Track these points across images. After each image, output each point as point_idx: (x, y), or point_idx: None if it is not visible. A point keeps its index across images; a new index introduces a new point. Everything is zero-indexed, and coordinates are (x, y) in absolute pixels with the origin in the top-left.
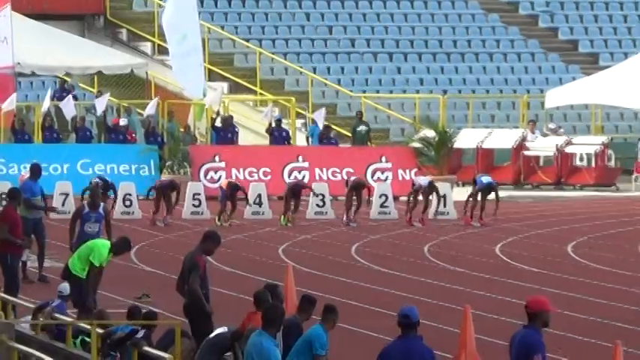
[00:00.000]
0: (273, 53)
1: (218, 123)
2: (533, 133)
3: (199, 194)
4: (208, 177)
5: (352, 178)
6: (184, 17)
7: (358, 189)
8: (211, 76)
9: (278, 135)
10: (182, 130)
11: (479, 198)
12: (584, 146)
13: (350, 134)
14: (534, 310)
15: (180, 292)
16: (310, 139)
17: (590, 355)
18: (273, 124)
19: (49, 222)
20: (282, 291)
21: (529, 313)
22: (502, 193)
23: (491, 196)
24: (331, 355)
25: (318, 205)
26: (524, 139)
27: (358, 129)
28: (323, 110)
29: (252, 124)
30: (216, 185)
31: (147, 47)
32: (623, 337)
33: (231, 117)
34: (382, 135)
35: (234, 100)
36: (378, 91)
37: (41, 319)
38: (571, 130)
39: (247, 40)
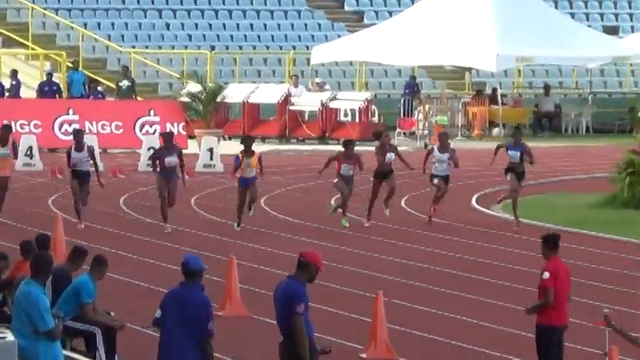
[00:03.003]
0: (44, 8)
1: None
2: (296, 87)
3: None
4: None
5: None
6: None
7: (386, 177)
8: None
9: (49, 89)
10: None
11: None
12: (349, 102)
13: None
14: (307, 261)
15: None
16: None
17: (354, 304)
18: (45, 78)
19: None
20: (50, 240)
21: (301, 263)
22: (268, 147)
23: None
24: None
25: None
26: (289, 94)
27: (120, 83)
28: None
29: (25, 78)
30: None
31: None
32: (383, 288)
33: None
34: (151, 89)
35: (5, 54)
36: (147, 47)
37: None
38: (336, 86)
39: None
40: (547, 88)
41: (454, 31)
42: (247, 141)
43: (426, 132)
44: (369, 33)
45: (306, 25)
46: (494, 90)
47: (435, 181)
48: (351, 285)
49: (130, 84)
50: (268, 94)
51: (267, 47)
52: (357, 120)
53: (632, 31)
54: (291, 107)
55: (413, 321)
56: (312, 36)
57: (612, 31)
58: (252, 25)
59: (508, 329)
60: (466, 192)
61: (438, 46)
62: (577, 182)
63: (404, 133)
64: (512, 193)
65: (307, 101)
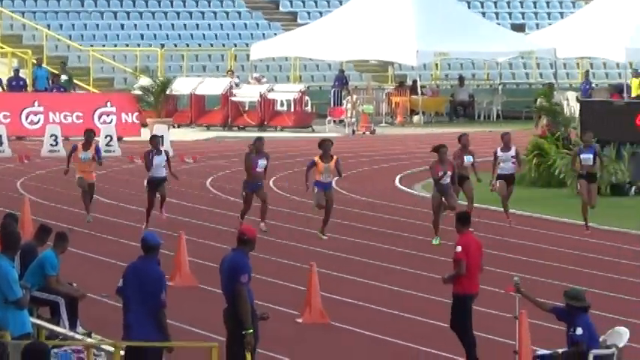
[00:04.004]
0: (12, 11)
1: None
2: (232, 78)
3: None
4: None
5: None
6: None
7: (461, 182)
8: None
9: (16, 83)
10: None
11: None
12: (284, 93)
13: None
14: (248, 236)
15: None
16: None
17: (291, 275)
18: (12, 74)
19: None
20: (18, 219)
21: (242, 239)
22: (212, 134)
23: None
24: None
25: (51, 144)
26: (231, 86)
27: (62, 77)
28: None
29: None
30: None
31: None
32: (316, 259)
33: None
34: (107, 83)
35: None
36: (104, 45)
37: None
38: (273, 79)
39: None
40: (462, 79)
41: (378, 29)
42: (326, 144)
43: (353, 120)
44: (302, 31)
45: (245, 24)
46: (415, 82)
47: (497, 184)
48: (288, 257)
49: (67, 78)
50: (213, 86)
51: (212, 45)
52: (292, 109)
53: (537, 28)
54: (233, 98)
55: (344, 289)
56: (252, 34)
57: (519, 28)
58: (197, 25)
59: (426, 295)
60: (390, 173)
61: (364, 43)
62: (489, 164)
63: (334, 121)
64: (590, 200)
65: (248, 93)
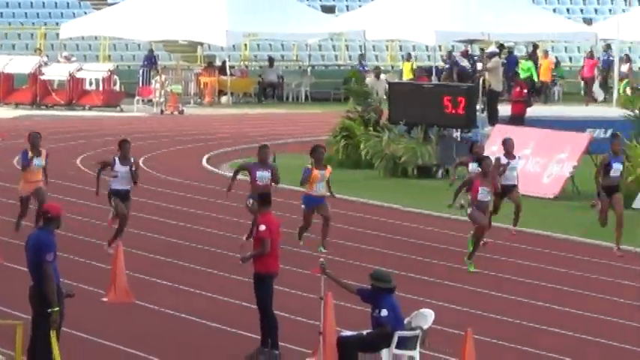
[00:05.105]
0: None
1: None
2: (41, 57)
3: None
4: None
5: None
6: None
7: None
8: None
9: None
10: None
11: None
12: (93, 72)
13: None
14: (52, 214)
15: None
16: None
17: (97, 254)
18: None
19: None
20: None
21: (47, 217)
22: (20, 112)
23: None
24: None
25: None
26: (40, 65)
27: None
28: None
29: None
30: None
31: None
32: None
33: None
34: None
35: None
36: None
37: None
38: (82, 58)
39: None
40: (271, 60)
41: (188, 9)
42: (319, 151)
43: (162, 100)
44: (112, 10)
45: (56, 3)
46: (224, 62)
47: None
48: (94, 236)
49: None
50: (21, 65)
51: (22, 23)
52: (100, 89)
53: (347, 10)
54: (42, 77)
55: (150, 269)
56: (62, 13)
57: (329, 10)
58: (7, 3)
59: (227, 274)
60: (198, 153)
61: (174, 23)
62: (297, 145)
63: (142, 101)
64: (619, 217)
65: (56, 72)
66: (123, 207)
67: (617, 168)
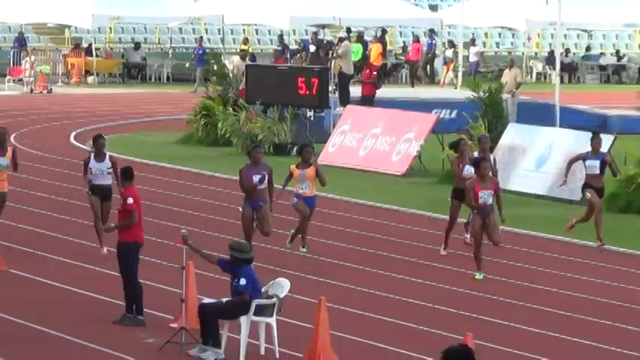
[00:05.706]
0: None
1: None
2: None
3: None
4: None
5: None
6: None
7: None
8: None
9: None
10: None
11: None
12: None
13: None
14: None
15: None
16: None
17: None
18: None
19: None
20: None
21: None
22: None
23: None
24: None
25: None
26: None
27: None
28: None
29: None
30: None
31: None
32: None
33: None
34: None
35: None
36: None
37: None
38: None
39: None
40: (137, 44)
41: None
42: (306, 150)
43: (31, 79)
44: None
45: None
46: (90, 44)
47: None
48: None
49: None
50: None
51: None
52: None
53: None
54: None
55: (23, 239)
56: None
57: None
58: None
59: (82, 242)
60: (66, 130)
61: (43, 6)
62: (159, 123)
63: (13, 80)
64: (598, 213)
65: None
66: (98, 207)
67: (591, 165)
